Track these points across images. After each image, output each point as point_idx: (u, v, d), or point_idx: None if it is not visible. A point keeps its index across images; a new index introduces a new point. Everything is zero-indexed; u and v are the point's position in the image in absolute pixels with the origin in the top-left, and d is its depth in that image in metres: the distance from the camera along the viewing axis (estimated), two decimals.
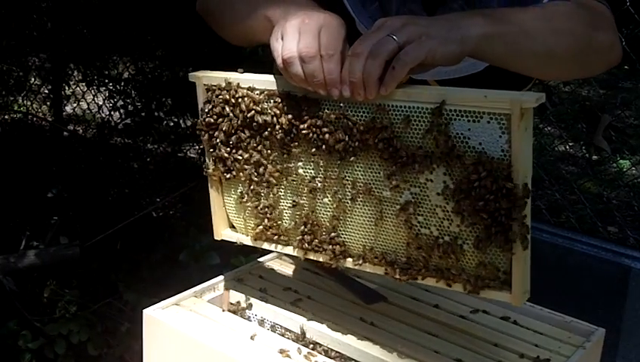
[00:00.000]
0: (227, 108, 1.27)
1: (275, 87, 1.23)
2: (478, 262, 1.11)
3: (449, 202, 1.10)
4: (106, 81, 4.49)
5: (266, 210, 1.29)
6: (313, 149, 1.20)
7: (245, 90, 1.25)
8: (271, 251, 1.39)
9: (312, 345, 1.22)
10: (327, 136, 1.18)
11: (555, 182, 3.74)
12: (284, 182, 1.26)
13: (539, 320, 1.31)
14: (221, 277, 1.39)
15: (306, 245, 1.26)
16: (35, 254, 3.21)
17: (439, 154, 1.09)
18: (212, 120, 1.29)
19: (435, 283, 1.16)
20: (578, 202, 3.40)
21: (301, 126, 1.20)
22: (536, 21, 1.19)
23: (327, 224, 1.23)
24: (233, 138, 1.28)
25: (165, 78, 4.22)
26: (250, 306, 1.32)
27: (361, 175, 1.18)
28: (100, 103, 4.87)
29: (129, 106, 4.44)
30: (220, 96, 1.28)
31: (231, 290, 1.35)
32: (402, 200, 1.14)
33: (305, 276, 1.43)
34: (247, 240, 1.35)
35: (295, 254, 1.29)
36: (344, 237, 1.23)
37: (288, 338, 1.23)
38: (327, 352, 1.20)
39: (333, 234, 1.23)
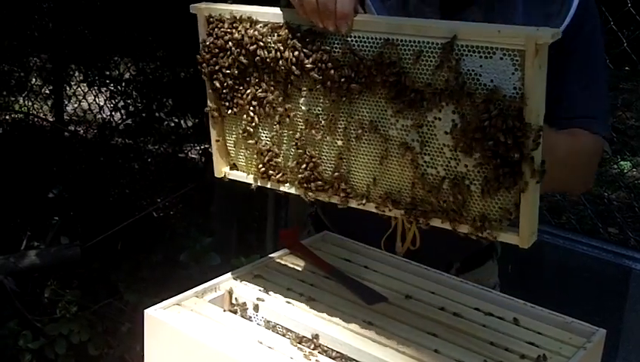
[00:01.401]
0: (229, 42, 1.23)
1: (279, 20, 1.18)
2: (485, 202, 1.08)
3: (457, 141, 1.07)
4: (107, 81, 4.51)
5: (269, 148, 1.26)
6: (318, 86, 1.17)
7: (248, 23, 1.21)
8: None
9: (312, 345, 1.22)
10: (332, 72, 1.14)
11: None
12: (287, 120, 1.23)
13: (539, 321, 1.30)
14: (222, 278, 1.39)
15: (309, 184, 1.23)
16: (36, 254, 3.22)
17: (449, 91, 1.05)
18: (213, 53, 1.25)
19: (441, 224, 1.14)
20: (579, 203, 3.39)
21: (306, 61, 1.16)
22: (564, 156, 1.26)
23: (331, 163, 1.20)
24: (235, 72, 1.24)
25: (166, 78, 4.23)
26: (251, 306, 1.32)
27: (367, 113, 1.14)
28: (101, 104, 4.88)
29: (130, 107, 4.45)
30: (222, 29, 1.23)
31: (232, 290, 1.35)
32: (409, 139, 1.11)
33: (306, 276, 1.43)
34: (248, 179, 1.33)
35: (296, 193, 1.26)
36: (348, 176, 1.19)
37: (289, 338, 1.23)
38: (327, 352, 1.20)
39: (336, 173, 1.19)
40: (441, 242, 1.51)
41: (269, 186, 1.31)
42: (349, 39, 1.13)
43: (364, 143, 1.17)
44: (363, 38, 1.12)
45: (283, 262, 1.49)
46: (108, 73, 4.49)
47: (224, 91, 1.27)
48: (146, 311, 1.25)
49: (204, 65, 1.27)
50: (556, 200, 3.50)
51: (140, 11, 3.72)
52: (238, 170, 1.36)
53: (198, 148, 4.43)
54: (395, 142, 1.14)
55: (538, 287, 2.31)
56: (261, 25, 1.21)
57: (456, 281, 1.44)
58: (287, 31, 1.18)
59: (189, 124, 4.33)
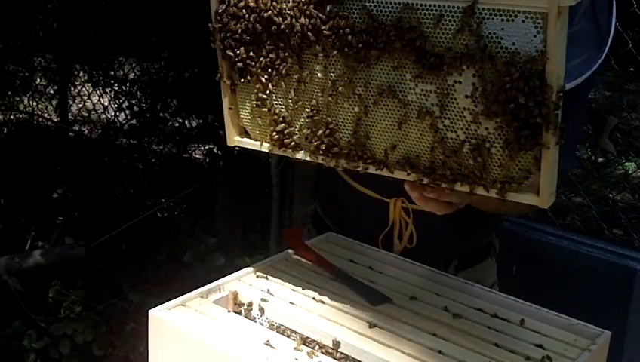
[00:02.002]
0: (243, 9, 1.21)
1: None
2: (505, 164, 1.08)
3: (477, 105, 1.07)
4: (112, 81, 4.51)
5: (283, 114, 1.25)
6: (335, 51, 1.15)
7: None
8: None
9: (317, 346, 1.22)
10: (350, 37, 1.13)
11: (560, 184, 3.73)
12: (302, 87, 1.22)
13: (544, 323, 1.30)
14: (227, 278, 1.39)
15: (324, 150, 1.22)
16: (41, 254, 3.22)
17: (470, 55, 1.05)
18: (226, 20, 1.23)
19: (460, 187, 1.14)
20: (583, 204, 3.39)
21: (322, 27, 1.14)
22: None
23: (348, 129, 1.19)
24: (248, 39, 1.23)
25: (171, 79, 4.23)
26: (255, 307, 1.32)
27: (385, 78, 1.14)
28: (106, 104, 4.89)
29: (134, 107, 4.45)
30: None
31: (236, 291, 1.35)
32: (428, 104, 1.11)
33: (310, 277, 1.43)
34: (262, 147, 1.32)
35: (311, 159, 1.26)
36: (365, 141, 1.19)
37: (293, 339, 1.23)
38: (331, 354, 1.20)
39: (353, 138, 1.19)
40: (438, 240, 1.52)
41: (282, 154, 1.30)
42: (366, 4, 1.12)
43: (382, 108, 1.16)
44: (381, 2, 1.11)
45: (287, 263, 1.49)
46: (112, 73, 4.49)
47: (236, 59, 1.26)
48: (150, 311, 1.25)
49: (217, 32, 1.25)
50: (560, 201, 3.49)
51: (144, 12, 3.72)
52: (251, 138, 1.35)
53: (202, 148, 4.43)
54: (415, 107, 1.13)
55: (542, 288, 2.30)
56: None
57: (460, 282, 1.43)
58: None
59: (194, 124, 4.33)
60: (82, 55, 4.38)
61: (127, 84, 4.49)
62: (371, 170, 1.21)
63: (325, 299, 1.34)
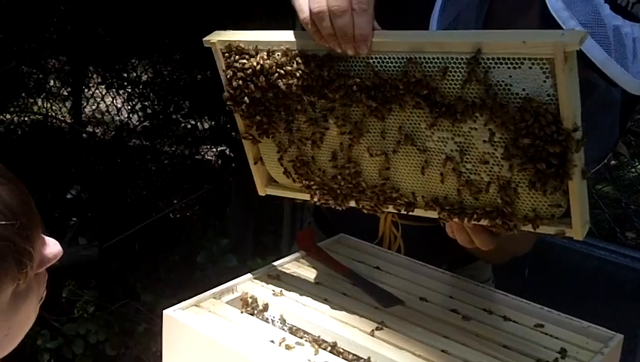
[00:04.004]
0: (249, 73, 1.21)
1: (296, 47, 1.17)
2: (533, 201, 1.08)
3: (497, 148, 1.06)
4: (125, 83, 4.54)
5: (305, 166, 1.27)
6: (345, 106, 1.16)
7: (265, 53, 1.20)
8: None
9: (329, 347, 1.22)
10: (358, 94, 1.13)
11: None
12: (320, 141, 1.23)
13: (557, 325, 1.30)
14: (239, 279, 1.40)
15: (354, 195, 1.24)
16: None
17: (481, 103, 1.04)
18: (236, 86, 1.24)
19: (488, 223, 1.14)
20: (596, 207, 3.37)
21: (330, 86, 1.15)
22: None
23: (372, 176, 1.20)
24: (261, 100, 1.23)
25: (183, 81, 4.25)
26: (268, 308, 1.33)
27: (401, 128, 1.14)
28: (119, 106, 4.92)
29: (147, 109, 4.47)
30: (240, 61, 1.22)
31: (249, 292, 1.36)
32: (447, 150, 1.10)
33: (322, 278, 1.43)
34: (291, 194, 1.35)
35: (339, 204, 1.28)
36: (392, 186, 1.20)
37: (305, 339, 1.23)
38: (343, 354, 1.21)
39: (377, 186, 1.20)
40: (426, 250, 1.53)
41: (309, 199, 1.33)
42: (370, 60, 1.12)
43: (402, 156, 1.17)
44: (385, 58, 1.11)
45: (299, 264, 1.49)
46: (126, 75, 4.52)
47: (254, 119, 1.27)
48: (165, 311, 1.26)
49: (230, 97, 1.27)
50: None
51: (157, 14, 3.75)
52: (279, 186, 1.38)
53: (214, 150, 4.45)
54: (434, 153, 1.13)
55: (555, 291, 2.30)
56: (279, 53, 1.19)
57: (471, 284, 1.44)
58: (305, 58, 1.17)
59: (206, 126, 4.35)
60: (96, 57, 4.41)
61: (140, 86, 4.52)
62: (402, 210, 1.22)
63: (337, 300, 1.35)
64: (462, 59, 1.04)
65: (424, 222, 1.54)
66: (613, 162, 4.16)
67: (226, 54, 1.24)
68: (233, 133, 3.78)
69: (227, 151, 3.99)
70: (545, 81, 1.00)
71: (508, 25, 1.13)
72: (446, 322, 1.30)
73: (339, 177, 1.25)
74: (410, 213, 1.22)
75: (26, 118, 4.74)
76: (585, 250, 2.45)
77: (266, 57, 1.20)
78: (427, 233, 1.53)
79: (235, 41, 1.23)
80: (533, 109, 1.01)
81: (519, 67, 1.01)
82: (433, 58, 1.06)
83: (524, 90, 1.02)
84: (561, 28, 1.07)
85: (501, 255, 1.52)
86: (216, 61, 1.27)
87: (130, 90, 4.57)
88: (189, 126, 4.37)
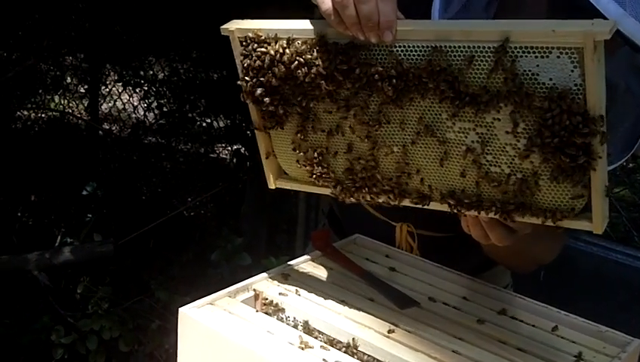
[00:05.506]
0: (268, 61, 1.19)
1: (317, 36, 1.15)
2: (554, 195, 1.07)
3: (520, 139, 1.05)
4: (142, 81, 4.56)
5: (320, 157, 1.25)
6: (366, 96, 1.15)
7: (285, 41, 1.18)
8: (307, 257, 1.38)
9: (343, 348, 1.22)
10: (380, 83, 1.11)
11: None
12: (337, 131, 1.22)
13: (573, 329, 1.29)
14: (254, 278, 1.40)
15: (368, 189, 1.23)
16: (70, 250, 3.26)
17: (506, 93, 1.03)
18: (252, 74, 1.22)
19: (508, 216, 1.12)
20: (613, 210, 3.34)
21: (351, 75, 1.13)
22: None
23: (389, 168, 1.19)
24: (278, 90, 1.22)
25: (199, 79, 4.27)
26: (283, 307, 1.33)
27: (421, 118, 1.12)
28: (135, 103, 4.94)
29: (163, 107, 4.50)
30: (259, 49, 1.20)
31: (264, 291, 1.36)
32: (468, 141, 1.09)
33: (337, 279, 1.43)
34: (302, 187, 1.33)
35: (354, 199, 1.26)
36: (407, 180, 1.19)
37: (320, 340, 1.23)
38: (358, 355, 1.21)
39: (393, 176, 1.19)
40: (443, 261, 1.51)
41: (321, 193, 1.31)
42: (393, 49, 1.10)
43: (421, 147, 1.16)
44: (408, 46, 1.10)
45: (314, 264, 1.49)
46: (142, 73, 4.54)
47: (269, 109, 1.25)
48: (180, 309, 1.27)
49: (245, 86, 1.25)
50: None
51: (174, 12, 3.76)
52: (290, 179, 1.36)
53: (229, 148, 4.46)
54: (454, 145, 1.12)
55: (571, 295, 2.28)
56: (299, 42, 1.17)
57: (487, 287, 1.43)
58: (326, 47, 1.15)
59: (221, 124, 4.36)
60: (113, 55, 4.44)
61: (157, 84, 4.54)
62: (418, 205, 1.21)
63: (352, 300, 1.34)
64: (489, 47, 1.03)
65: (440, 233, 1.54)
66: (630, 165, 4.13)
67: (244, 43, 1.23)
68: (248, 132, 3.80)
69: (242, 150, 4.00)
70: (572, 71, 0.99)
71: (517, 8, 1.13)
72: (461, 324, 1.29)
73: (355, 169, 1.24)
74: (426, 206, 1.21)
75: (43, 115, 4.77)
76: (601, 254, 2.43)
77: (285, 45, 1.18)
78: (443, 242, 1.52)
79: (254, 29, 1.21)
80: (560, 98, 1.00)
81: (547, 56, 1.00)
82: (459, 47, 1.05)
83: (550, 79, 1.01)
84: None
85: (524, 261, 1.50)
86: (233, 50, 1.25)
87: (146, 88, 4.59)
88: (205, 124, 4.39)
